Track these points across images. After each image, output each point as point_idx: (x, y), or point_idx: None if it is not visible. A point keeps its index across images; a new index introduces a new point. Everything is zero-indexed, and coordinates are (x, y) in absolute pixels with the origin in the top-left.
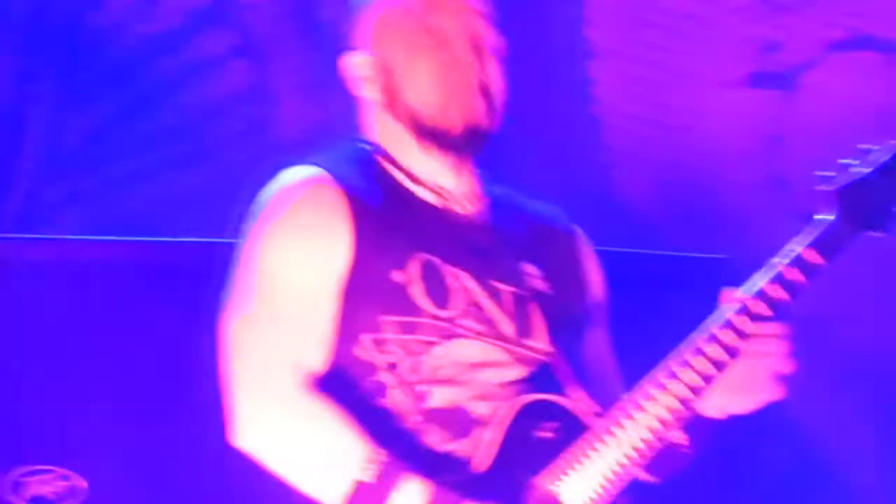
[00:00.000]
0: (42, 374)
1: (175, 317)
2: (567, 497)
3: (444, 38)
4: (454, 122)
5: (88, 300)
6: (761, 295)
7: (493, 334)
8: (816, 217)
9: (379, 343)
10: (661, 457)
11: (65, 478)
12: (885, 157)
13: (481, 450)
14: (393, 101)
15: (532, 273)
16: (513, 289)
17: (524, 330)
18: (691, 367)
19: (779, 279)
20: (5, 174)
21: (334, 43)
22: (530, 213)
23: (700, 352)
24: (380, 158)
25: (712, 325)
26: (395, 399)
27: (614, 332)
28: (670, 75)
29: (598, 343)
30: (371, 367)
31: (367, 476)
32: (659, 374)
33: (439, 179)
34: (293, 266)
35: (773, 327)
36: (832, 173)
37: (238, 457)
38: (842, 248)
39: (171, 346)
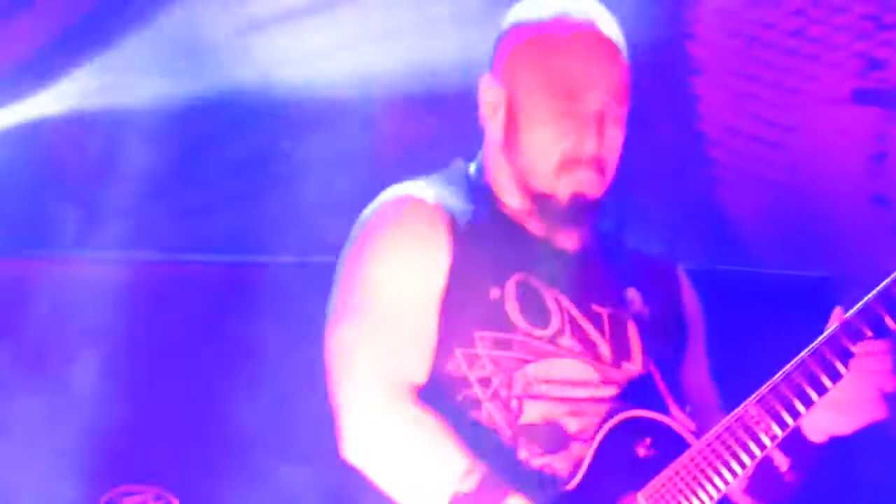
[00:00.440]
0: (139, 392)
1: (276, 333)
2: None
3: (572, 89)
4: (562, 192)
5: (189, 319)
6: (867, 313)
7: (591, 354)
8: None
9: (472, 357)
10: (762, 481)
11: (158, 497)
12: None
13: (574, 466)
14: (510, 148)
15: (632, 298)
16: (611, 311)
17: (621, 351)
18: (795, 385)
19: (884, 298)
20: (108, 191)
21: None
22: (634, 247)
23: (805, 370)
24: (489, 182)
25: (818, 343)
26: (488, 413)
27: (717, 351)
28: (774, 91)
29: (696, 366)
30: (464, 381)
31: (468, 487)
32: (762, 393)
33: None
34: (396, 278)
35: (879, 345)
36: None
37: (347, 470)
38: None
39: (273, 362)
